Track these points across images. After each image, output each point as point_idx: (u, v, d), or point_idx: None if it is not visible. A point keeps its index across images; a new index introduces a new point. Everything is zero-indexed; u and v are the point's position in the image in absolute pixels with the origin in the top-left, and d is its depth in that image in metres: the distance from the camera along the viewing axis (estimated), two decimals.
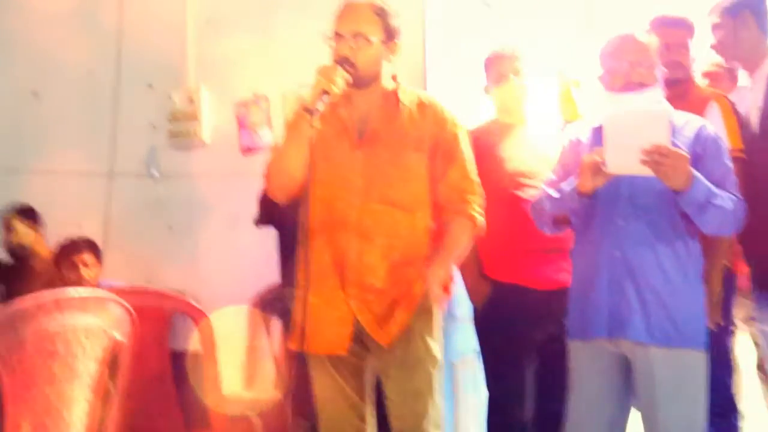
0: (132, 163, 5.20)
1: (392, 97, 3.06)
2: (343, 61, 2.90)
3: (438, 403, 3.05)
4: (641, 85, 3.02)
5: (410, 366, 2.98)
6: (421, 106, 3.08)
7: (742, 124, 3.43)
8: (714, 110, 3.43)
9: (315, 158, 2.90)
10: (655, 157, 2.75)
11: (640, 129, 2.81)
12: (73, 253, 4.54)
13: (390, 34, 3.01)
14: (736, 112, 3.49)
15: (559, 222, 3.17)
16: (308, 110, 2.84)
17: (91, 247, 4.61)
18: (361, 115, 3.03)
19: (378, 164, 2.98)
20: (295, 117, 2.95)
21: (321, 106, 2.84)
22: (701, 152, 2.96)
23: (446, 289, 3.10)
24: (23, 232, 4.94)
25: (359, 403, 3.05)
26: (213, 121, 5.01)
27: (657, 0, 4.19)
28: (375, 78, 3.02)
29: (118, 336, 2.25)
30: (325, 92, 2.84)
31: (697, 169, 2.89)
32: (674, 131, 2.96)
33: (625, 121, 2.87)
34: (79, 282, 4.32)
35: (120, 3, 5.22)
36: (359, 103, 3.03)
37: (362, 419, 3.05)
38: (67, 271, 4.45)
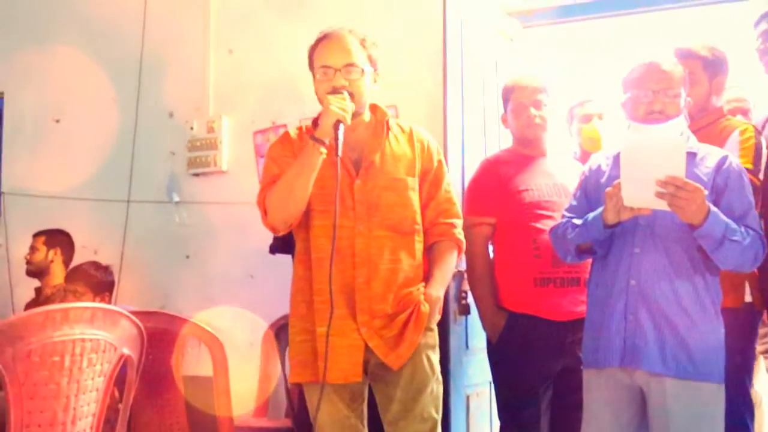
0: (151, 190, 5.23)
1: (381, 126, 3.11)
2: (342, 91, 2.93)
3: (439, 423, 3.06)
4: (664, 116, 2.99)
5: (418, 389, 2.99)
6: (407, 134, 3.16)
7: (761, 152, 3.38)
8: (735, 137, 3.37)
9: (313, 189, 2.93)
10: (671, 189, 2.71)
11: (656, 161, 2.76)
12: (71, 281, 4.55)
13: (373, 64, 3.07)
14: (758, 138, 3.41)
15: (583, 251, 3.12)
16: (320, 141, 2.85)
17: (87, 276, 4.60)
18: (351, 145, 3.02)
19: (378, 192, 3.02)
20: (306, 149, 2.93)
21: (341, 138, 2.84)
22: (723, 185, 2.93)
23: (440, 310, 3.14)
24: (41, 252, 4.99)
25: (357, 425, 3.06)
26: (232, 149, 5.03)
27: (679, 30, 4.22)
28: (364, 107, 3.08)
29: (126, 351, 2.24)
30: (340, 122, 2.85)
31: (718, 202, 2.87)
32: (696, 162, 2.95)
33: (642, 153, 2.81)
34: None
35: (141, 32, 5.28)
36: (348, 135, 2.97)
37: None
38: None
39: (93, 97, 5.43)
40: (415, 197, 3.08)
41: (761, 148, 3.36)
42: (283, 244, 4.02)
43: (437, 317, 3.09)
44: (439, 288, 3.05)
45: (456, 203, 3.20)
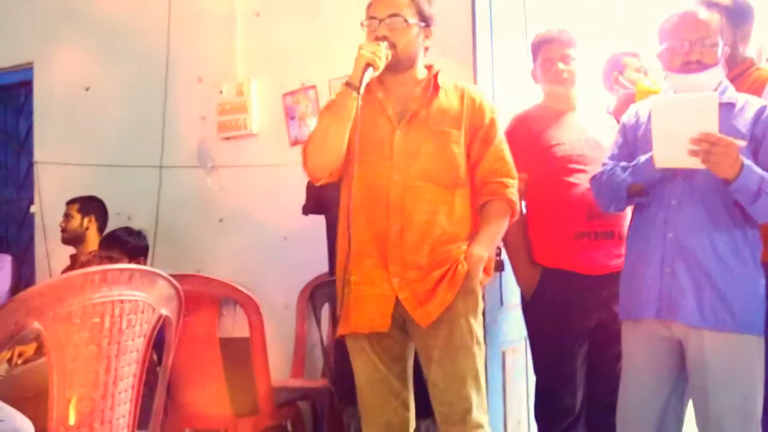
0: (182, 155, 5.25)
1: (430, 82, 3.07)
2: (382, 40, 2.93)
3: (483, 387, 3.01)
4: (701, 65, 2.94)
5: (455, 348, 2.94)
6: (459, 91, 3.11)
7: None
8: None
9: (355, 138, 2.91)
10: (704, 146, 2.69)
11: (688, 117, 2.74)
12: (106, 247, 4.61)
13: (425, 20, 3.04)
14: None
15: (634, 194, 3.05)
16: (352, 86, 2.86)
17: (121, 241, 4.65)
18: (398, 99, 3.04)
19: (417, 143, 2.99)
20: (338, 93, 2.95)
21: (366, 80, 2.86)
22: (761, 135, 2.89)
23: (487, 270, 3.08)
24: (75, 220, 5.03)
25: (401, 389, 3.03)
26: (262, 112, 5.02)
27: None
28: (412, 64, 3.05)
29: (165, 311, 2.25)
30: (369, 65, 2.86)
31: (757, 152, 2.85)
32: (734, 113, 2.92)
33: (673, 111, 2.80)
34: None
35: (169, 0, 5.28)
36: (396, 89, 3.04)
37: (405, 405, 3.04)
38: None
39: (122, 65, 5.45)
40: (458, 150, 3.04)
41: None
42: (315, 205, 4.03)
43: (482, 278, 3.04)
44: (482, 248, 2.99)
45: (509, 162, 3.13)
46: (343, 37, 4.60)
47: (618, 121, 3.48)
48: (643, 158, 2.95)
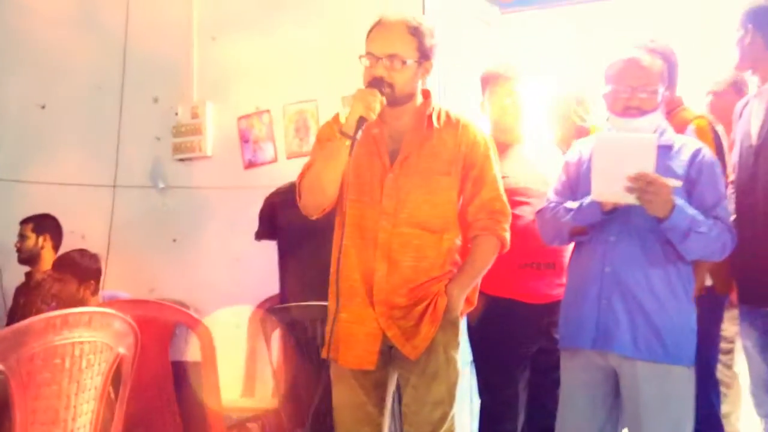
0: (136, 175, 5.32)
1: (424, 118, 3.07)
2: (378, 82, 2.92)
3: (452, 412, 3.10)
4: (640, 111, 3.08)
5: (431, 376, 3.03)
6: (454, 126, 3.10)
7: (721, 143, 3.50)
8: (690, 131, 3.47)
9: (348, 177, 2.96)
10: (640, 184, 2.83)
11: (627, 156, 2.88)
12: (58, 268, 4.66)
13: (425, 54, 3.01)
14: (714, 132, 3.54)
15: (576, 234, 3.19)
16: (346, 135, 2.88)
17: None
18: (393, 134, 3.06)
19: (409, 189, 3.01)
20: (333, 138, 2.97)
21: (360, 130, 2.87)
22: (696, 176, 3.04)
23: (469, 301, 3.16)
24: (30, 240, 5.07)
25: (377, 415, 3.10)
26: (216, 134, 5.11)
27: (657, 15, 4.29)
28: (409, 99, 3.04)
29: (122, 350, 2.35)
30: (363, 119, 2.88)
31: (692, 192, 3.00)
32: (671, 154, 3.06)
33: (614, 148, 2.94)
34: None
35: (125, 19, 5.36)
36: (391, 121, 3.05)
37: (375, 429, 3.10)
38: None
39: (77, 83, 5.51)
40: (449, 197, 3.07)
41: (720, 139, 3.51)
42: (268, 230, 4.13)
43: (463, 308, 3.11)
44: (460, 285, 3.04)
45: (504, 200, 3.16)
46: (297, 63, 4.73)
47: (563, 153, 3.64)
48: (587, 200, 3.07)
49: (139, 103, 5.34)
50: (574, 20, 5.39)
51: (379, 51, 2.95)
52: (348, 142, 2.87)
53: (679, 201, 2.90)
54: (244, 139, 4.98)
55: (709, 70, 4.25)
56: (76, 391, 2.15)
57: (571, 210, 3.15)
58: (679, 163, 3.06)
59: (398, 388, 3.20)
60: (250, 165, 4.93)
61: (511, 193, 3.64)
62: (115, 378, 2.45)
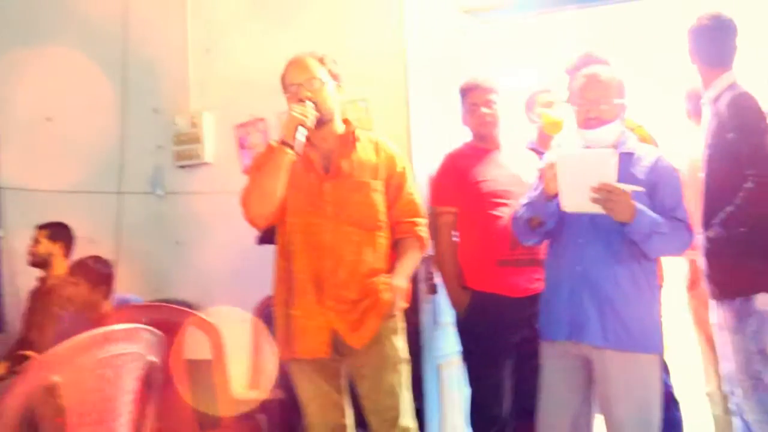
0: (139, 182, 5.53)
1: (349, 136, 3.51)
2: (305, 100, 3.33)
3: (409, 397, 3.47)
4: (599, 121, 3.36)
5: (382, 366, 3.41)
6: (374, 144, 3.56)
7: None
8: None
9: (288, 190, 3.34)
10: (603, 194, 3.13)
11: (589, 169, 3.17)
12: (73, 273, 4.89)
13: (335, 78, 3.49)
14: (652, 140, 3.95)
15: (536, 227, 3.47)
16: (287, 144, 3.26)
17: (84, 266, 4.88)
18: (323, 153, 3.47)
19: (344, 193, 3.42)
20: (272, 151, 3.35)
21: (301, 137, 3.26)
22: (657, 180, 3.33)
23: (406, 298, 3.48)
24: (43, 245, 5.31)
25: (339, 399, 3.48)
26: (215, 142, 5.32)
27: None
28: (332, 117, 3.47)
29: (152, 357, 2.68)
30: (300, 124, 3.26)
31: (654, 196, 3.29)
32: (633, 161, 3.36)
33: (576, 163, 3.24)
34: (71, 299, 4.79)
35: (124, 34, 5.56)
36: (320, 142, 3.45)
37: (342, 413, 3.49)
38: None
39: (82, 96, 5.68)
40: (378, 198, 3.48)
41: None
42: (268, 236, 4.39)
43: (402, 304, 3.44)
44: (401, 279, 3.42)
45: (418, 204, 3.58)
46: None
47: (537, 153, 3.95)
48: (535, 193, 3.40)
49: (140, 114, 5.54)
50: (548, 27, 5.68)
51: (298, 78, 3.42)
52: (290, 150, 3.26)
53: (641, 206, 3.19)
54: (242, 146, 5.20)
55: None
56: (116, 395, 2.48)
57: (524, 205, 3.48)
58: (641, 170, 3.35)
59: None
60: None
61: (491, 195, 3.97)
62: (148, 384, 2.76)
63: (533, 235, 3.56)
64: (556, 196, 3.30)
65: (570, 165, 3.25)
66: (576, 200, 3.23)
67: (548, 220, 3.42)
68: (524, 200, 3.56)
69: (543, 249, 3.73)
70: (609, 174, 3.15)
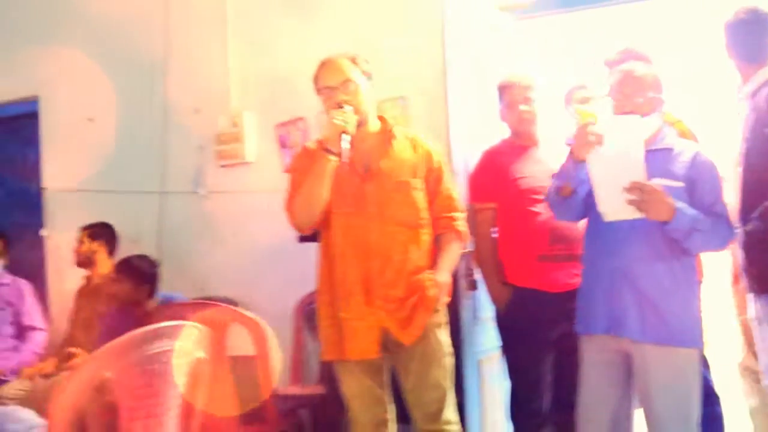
0: (182, 182, 5.62)
1: (386, 134, 3.55)
2: (342, 104, 3.38)
3: (452, 390, 3.52)
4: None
5: (428, 360, 3.46)
6: (411, 141, 3.60)
7: None
8: (674, 132, 3.78)
9: (331, 192, 3.39)
10: (636, 194, 3.16)
11: (618, 170, 3.20)
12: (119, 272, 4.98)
13: (368, 77, 3.53)
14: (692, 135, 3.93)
15: (567, 195, 3.50)
16: (331, 152, 3.31)
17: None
18: (361, 153, 3.48)
19: (385, 193, 3.47)
20: (315, 156, 3.40)
21: (345, 144, 3.30)
22: (696, 177, 3.34)
23: (448, 292, 3.55)
24: (85, 245, 5.43)
25: (381, 394, 3.53)
26: (256, 141, 5.39)
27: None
28: (367, 118, 3.52)
29: (199, 353, 2.75)
30: (344, 132, 3.30)
31: (693, 192, 3.30)
32: (672, 157, 3.38)
33: (605, 164, 3.26)
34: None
35: (166, 36, 5.65)
36: (357, 143, 3.44)
37: (384, 408, 3.54)
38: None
39: (123, 97, 5.78)
40: (418, 196, 3.53)
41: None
42: (309, 234, 4.45)
43: (446, 299, 3.52)
44: (444, 274, 3.49)
45: (456, 199, 3.63)
46: None
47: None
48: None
49: (181, 115, 5.63)
50: (586, 24, 5.68)
51: (333, 81, 3.47)
52: (334, 158, 3.30)
53: (680, 204, 3.20)
54: (283, 145, 5.26)
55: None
56: (165, 390, 2.55)
57: (555, 174, 3.54)
58: (680, 165, 3.36)
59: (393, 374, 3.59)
60: None
61: (530, 192, 3.99)
62: (196, 379, 2.83)
63: (566, 207, 3.58)
64: (584, 161, 3.33)
65: (599, 166, 3.29)
66: (614, 207, 3.27)
67: (579, 188, 3.45)
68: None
69: (580, 244, 3.74)
70: (638, 172, 3.18)
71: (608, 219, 3.32)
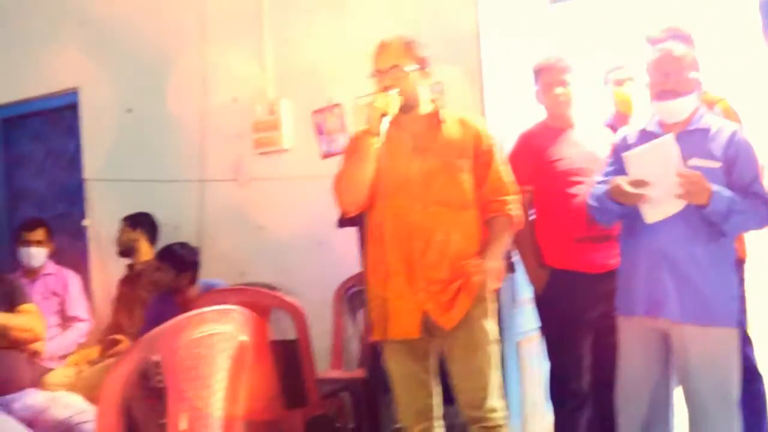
0: (221, 170, 5.68)
1: (434, 117, 3.54)
2: (388, 90, 3.40)
3: (498, 377, 3.51)
4: (675, 94, 3.41)
5: (472, 347, 3.45)
6: (461, 122, 3.58)
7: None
8: (717, 112, 3.81)
9: (378, 174, 3.42)
10: (682, 182, 3.19)
11: (654, 164, 3.25)
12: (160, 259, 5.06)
13: (421, 63, 3.51)
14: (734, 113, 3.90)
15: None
16: (372, 133, 3.34)
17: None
18: (411, 135, 3.51)
19: (432, 172, 3.46)
20: (358, 140, 3.44)
21: (384, 127, 3.33)
22: (734, 156, 3.35)
23: (498, 277, 3.54)
24: (126, 234, 5.55)
25: (426, 379, 3.54)
26: (293, 129, 5.43)
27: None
28: (416, 103, 3.52)
29: (243, 337, 2.81)
30: (385, 114, 3.34)
31: (731, 171, 3.32)
32: (709, 138, 3.39)
33: (640, 162, 3.32)
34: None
35: (203, 27, 5.71)
36: (407, 125, 3.50)
37: (432, 394, 3.55)
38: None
39: (161, 88, 5.86)
40: (465, 177, 3.51)
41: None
42: (349, 219, 4.50)
43: (496, 284, 3.51)
44: (493, 259, 3.47)
45: (507, 181, 3.60)
46: (365, 59, 5.05)
47: (614, 130, 3.99)
48: (610, 169, 3.53)
49: (219, 104, 5.68)
50: (623, 5, 5.67)
51: (383, 66, 3.47)
52: (375, 139, 3.33)
53: (716, 187, 3.22)
54: (320, 132, 5.30)
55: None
56: (211, 373, 2.61)
57: (594, 197, 3.59)
58: (718, 145, 3.37)
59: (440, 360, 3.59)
60: (327, 155, 5.24)
61: (567, 174, 4.01)
62: (239, 363, 2.89)
63: (612, 213, 3.59)
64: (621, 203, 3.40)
65: (635, 165, 3.35)
66: (657, 208, 3.32)
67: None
68: (599, 178, 3.62)
69: (618, 225, 3.75)
70: (673, 160, 3.22)
71: (651, 221, 3.36)
